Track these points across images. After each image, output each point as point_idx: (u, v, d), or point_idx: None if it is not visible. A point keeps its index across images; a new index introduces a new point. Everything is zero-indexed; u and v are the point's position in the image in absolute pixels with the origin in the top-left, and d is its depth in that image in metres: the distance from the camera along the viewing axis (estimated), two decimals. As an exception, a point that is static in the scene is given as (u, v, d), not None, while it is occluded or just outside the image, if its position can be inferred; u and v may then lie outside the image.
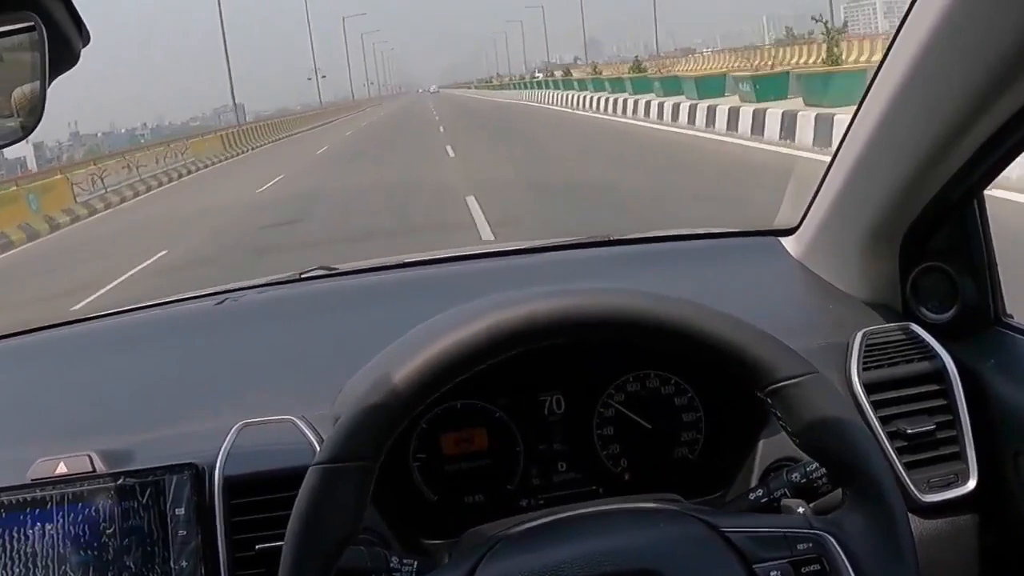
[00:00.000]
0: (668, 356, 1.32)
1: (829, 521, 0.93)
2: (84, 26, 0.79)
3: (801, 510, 1.00)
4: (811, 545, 0.90)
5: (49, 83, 0.79)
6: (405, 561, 1.04)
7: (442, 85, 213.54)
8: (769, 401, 0.94)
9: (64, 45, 0.79)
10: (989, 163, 1.18)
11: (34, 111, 0.78)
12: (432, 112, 49.52)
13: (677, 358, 1.31)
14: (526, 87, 57.92)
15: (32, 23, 0.74)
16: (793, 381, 0.93)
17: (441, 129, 30.62)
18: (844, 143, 1.37)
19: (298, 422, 1.22)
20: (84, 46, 0.80)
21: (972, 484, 1.24)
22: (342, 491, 0.88)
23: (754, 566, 0.89)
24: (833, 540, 0.90)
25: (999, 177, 1.23)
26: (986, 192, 1.31)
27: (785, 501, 1.04)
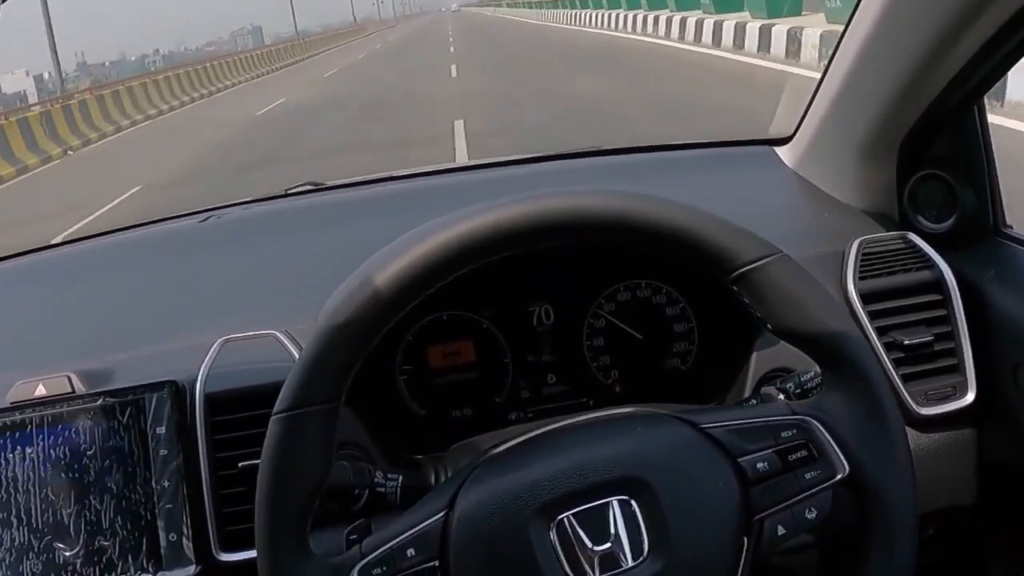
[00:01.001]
0: (659, 264, 1.29)
1: (811, 405, 0.90)
2: None
3: (781, 397, 0.98)
4: (795, 431, 0.88)
5: None
6: (390, 476, 1.02)
7: (464, 4, 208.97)
8: (735, 288, 0.91)
9: None
10: (987, 68, 1.14)
11: None
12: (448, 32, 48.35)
13: (670, 266, 1.29)
14: (547, 6, 52.79)
15: None
16: (757, 264, 0.89)
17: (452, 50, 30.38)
18: (839, 48, 1.32)
19: (280, 336, 1.20)
20: None
21: (971, 397, 1.22)
22: (306, 438, 0.85)
23: (739, 460, 0.87)
24: (817, 423, 0.88)
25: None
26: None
27: (765, 389, 1.01)
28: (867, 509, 0.87)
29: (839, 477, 0.86)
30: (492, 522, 0.85)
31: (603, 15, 28.86)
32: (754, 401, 1.06)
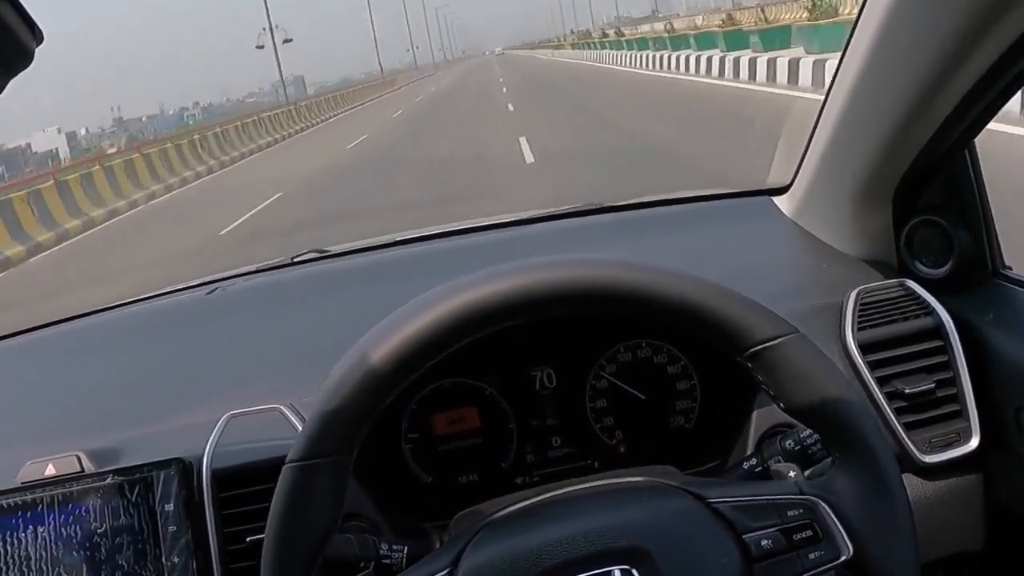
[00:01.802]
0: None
1: (819, 485, 0.91)
2: (36, 26, 0.78)
3: (792, 475, 0.98)
4: (802, 511, 0.88)
5: (3, 84, 0.77)
6: (395, 547, 1.03)
7: (507, 47, 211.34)
8: (749, 366, 0.91)
9: (16, 46, 0.77)
10: (976, 112, 1.15)
11: None
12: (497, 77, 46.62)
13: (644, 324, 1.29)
14: (592, 47, 52.22)
15: None
16: (771, 343, 0.89)
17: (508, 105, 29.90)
18: (829, 97, 1.34)
19: (285, 411, 1.21)
20: (38, 45, 0.78)
21: (975, 443, 1.22)
22: (317, 488, 0.87)
23: (744, 536, 0.87)
24: (824, 504, 0.88)
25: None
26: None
27: (775, 466, 1.01)
28: None
29: (843, 559, 0.86)
30: None
31: (647, 56, 28.65)
32: (755, 460, 1.06)
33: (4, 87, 0.80)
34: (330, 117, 37.88)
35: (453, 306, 0.89)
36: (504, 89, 32.34)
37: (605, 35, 56.80)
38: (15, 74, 0.80)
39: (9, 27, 0.75)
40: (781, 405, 0.92)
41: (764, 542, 0.87)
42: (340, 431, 0.87)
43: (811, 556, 0.86)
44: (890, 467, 0.88)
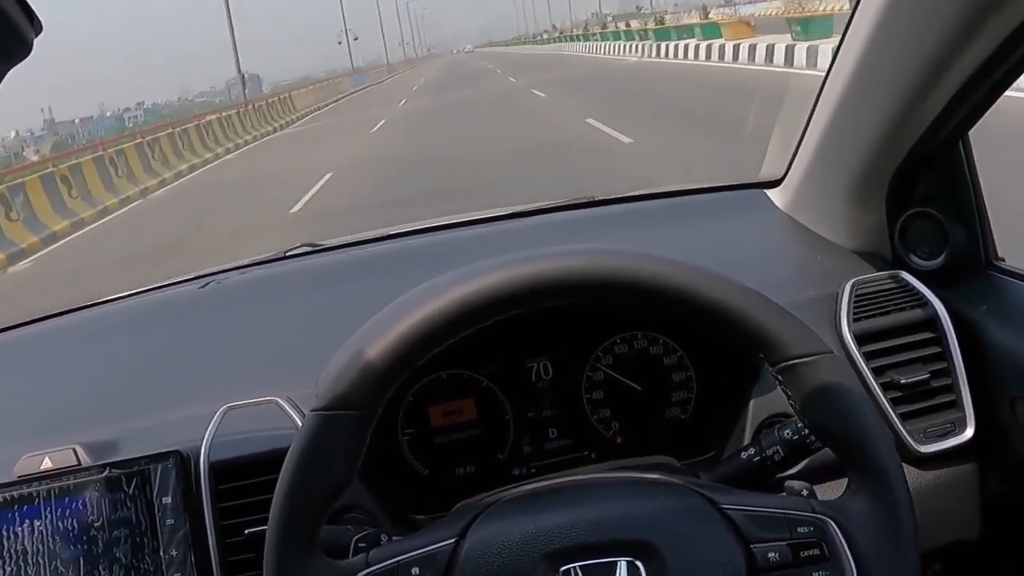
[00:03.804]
0: (655, 315, 1.30)
1: (832, 506, 0.91)
2: (35, 15, 0.77)
3: (804, 492, 0.99)
4: (812, 529, 0.88)
5: (2, 74, 0.77)
6: (395, 538, 1.03)
7: (476, 45, 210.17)
8: (780, 379, 0.92)
9: (14, 36, 0.77)
10: (970, 105, 1.16)
11: None
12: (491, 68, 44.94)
13: (666, 318, 1.30)
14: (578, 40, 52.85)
15: None
16: (807, 359, 0.90)
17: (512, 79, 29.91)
18: (824, 89, 1.34)
19: (282, 403, 1.21)
20: (36, 35, 0.78)
21: (970, 432, 1.23)
22: (338, 439, 0.87)
23: (752, 546, 0.87)
24: (835, 525, 0.88)
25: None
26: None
27: (788, 482, 1.02)
28: None
29: None
30: (501, 558, 0.86)
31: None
32: (753, 450, 1.07)
33: (3, 77, 0.80)
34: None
35: (505, 277, 0.90)
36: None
37: (605, 27, 56.70)
38: (14, 64, 0.80)
39: (9, 16, 0.75)
40: (805, 421, 0.93)
41: (771, 554, 0.87)
42: (368, 386, 0.88)
43: (815, 575, 0.87)
44: (904, 500, 0.88)
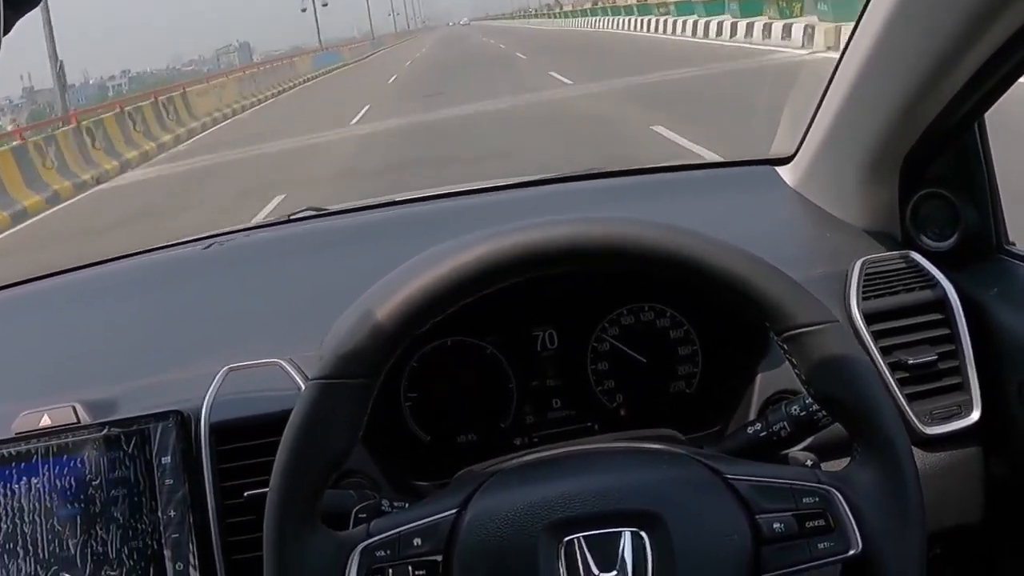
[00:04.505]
0: (663, 288, 1.30)
1: (837, 476, 0.90)
2: None
3: (809, 463, 0.98)
4: (817, 500, 0.88)
5: (8, 26, 0.75)
6: (396, 504, 1.03)
7: (472, 18, 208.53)
8: (784, 347, 0.91)
9: None
10: (987, 87, 1.14)
11: None
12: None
13: (673, 290, 1.29)
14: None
15: None
16: (812, 328, 0.89)
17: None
18: (839, 67, 1.33)
19: (285, 365, 1.20)
20: None
21: (976, 415, 1.22)
22: (339, 407, 0.87)
23: (757, 516, 0.87)
24: (840, 496, 0.88)
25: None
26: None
27: (792, 453, 1.01)
28: None
29: (851, 553, 0.86)
30: (503, 529, 0.86)
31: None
32: (759, 425, 1.06)
33: (12, 27, 0.78)
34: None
35: (507, 244, 0.90)
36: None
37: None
38: (23, 14, 0.78)
39: None
40: (810, 390, 0.92)
41: (776, 525, 0.86)
42: (370, 354, 0.87)
43: (820, 546, 0.86)
44: (911, 471, 0.88)
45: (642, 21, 31.47)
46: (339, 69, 43.60)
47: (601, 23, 41.45)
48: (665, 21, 28.09)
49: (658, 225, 0.92)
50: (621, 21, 36.36)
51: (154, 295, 1.56)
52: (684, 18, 26.15)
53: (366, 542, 0.87)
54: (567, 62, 21.07)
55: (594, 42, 30.52)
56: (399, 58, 43.29)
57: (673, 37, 25.66)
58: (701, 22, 23.85)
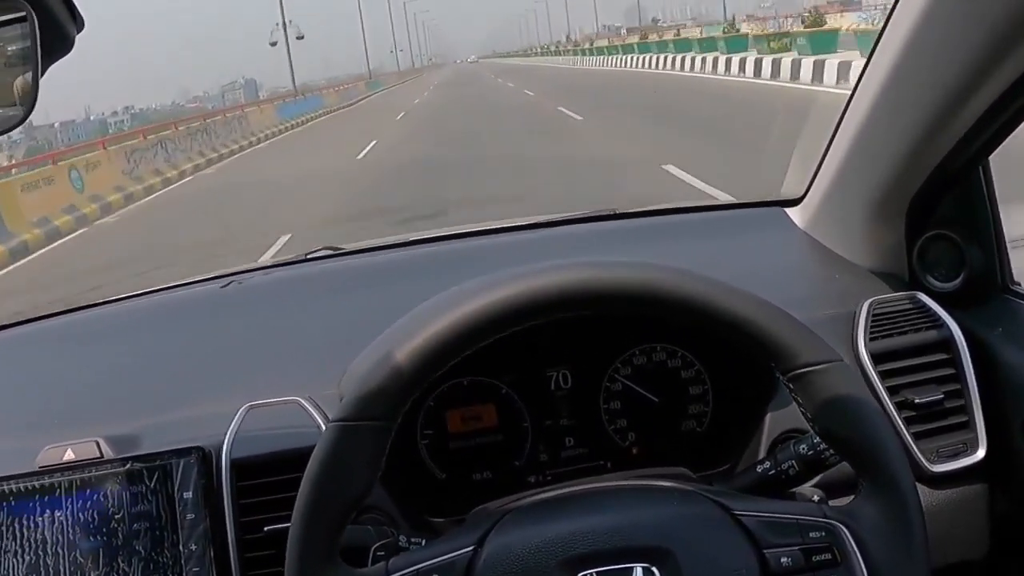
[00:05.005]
0: (675, 329, 1.32)
1: (843, 511, 0.92)
2: (78, 11, 0.79)
3: (816, 498, 1.00)
4: (823, 534, 0.90)
5: (43, 71, 0.78)
6: (413, 540, 1.04)
7: (480, 56, 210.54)
8: (791, 387, 0.93)
9: (57, 32, 0.78)
10: (992, 129, 1.17)
11: (25, 100, 0.78)
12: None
13: (684, 331, 1.31)
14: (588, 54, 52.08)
15: (23, 12, 0.73)
16: (817, 368, 0.92)
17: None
18: (847, 111, 1.35)
19: (304, 403, 1.22)
20: (79, 32, 0.79)
21: (981, 453, 1.24)
22: (359, 449, 0.89)
23: (765, 551, 0.89)
24: (846, 530, 0.90)
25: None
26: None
27: (799, 489, 1.03)
28: None
29: None
30: (519, 565, 0.88)
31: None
32: (768, 464, 1.08)
33: (44, 73, 0.81)
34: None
35: (525, 288, 0.92)
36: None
37: (645, 37, 50.74)
38: (55, 60, 0.81)
39: (54, 14, 0.76)
40: (815, 428, 0.94)
41: (784, 559, 0.88)
42: (389, 397, 0.90)
43: None
44: (915, 507, 0.90)
45: (641, 59, 35.22)
46: (312, 121, 32.83)
47: (606, 62, 44.48)
48: (664, 58, 31.23)
49: (669, 269, 0.94)
50: (619, 60, 40.55)
51: (174, 332, 1.59)
52: (682, 54, 29.14)
53: None
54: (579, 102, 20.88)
55: (600, 81, 31.58)
56: (395, 105, 34.42)
57: (671, 72, 27.89)
58: (698, 58, 26.36)
